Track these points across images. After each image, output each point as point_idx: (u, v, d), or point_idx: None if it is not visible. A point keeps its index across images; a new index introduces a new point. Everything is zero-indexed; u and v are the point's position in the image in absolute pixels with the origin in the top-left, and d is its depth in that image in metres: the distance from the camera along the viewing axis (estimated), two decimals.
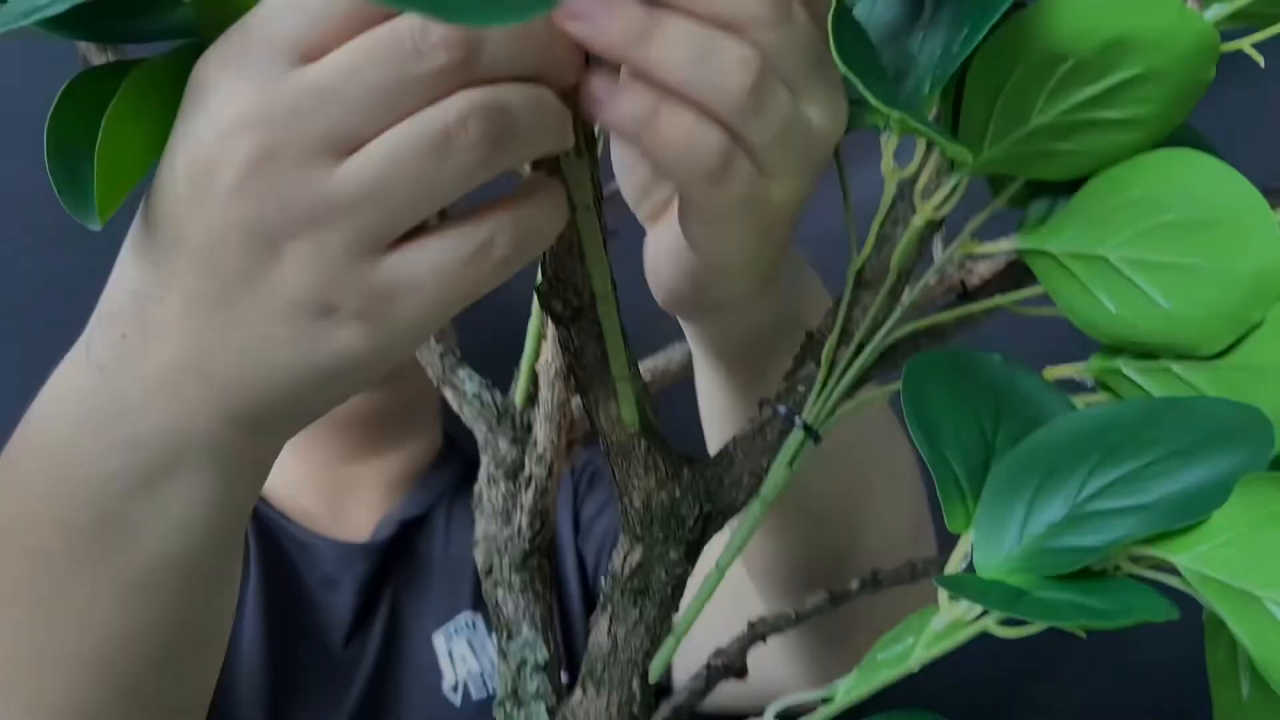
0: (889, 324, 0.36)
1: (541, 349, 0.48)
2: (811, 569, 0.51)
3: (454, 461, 0.83)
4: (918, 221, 0.35)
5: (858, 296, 0.36)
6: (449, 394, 0.57)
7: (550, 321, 0.33)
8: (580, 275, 0.32)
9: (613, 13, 0.26)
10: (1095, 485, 0.27)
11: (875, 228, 0.35)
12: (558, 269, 0.32)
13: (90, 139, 0.26)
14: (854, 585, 0.47)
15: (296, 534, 0.76)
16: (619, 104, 0.28)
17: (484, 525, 0.52)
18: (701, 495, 0.35)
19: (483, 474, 0.55)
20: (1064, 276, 0.35)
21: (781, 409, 0.36)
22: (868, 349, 0.36)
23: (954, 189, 0.34)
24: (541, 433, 0.48)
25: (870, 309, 0.36)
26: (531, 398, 0.55)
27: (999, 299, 0.37)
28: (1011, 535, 0.28)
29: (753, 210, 0.31)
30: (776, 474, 0.36)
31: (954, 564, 0.29)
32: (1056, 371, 0.36)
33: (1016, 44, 0.32)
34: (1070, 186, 0.35)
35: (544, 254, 0.32)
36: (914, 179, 0.37)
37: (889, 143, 0.33)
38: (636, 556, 0.35)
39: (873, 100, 0.28)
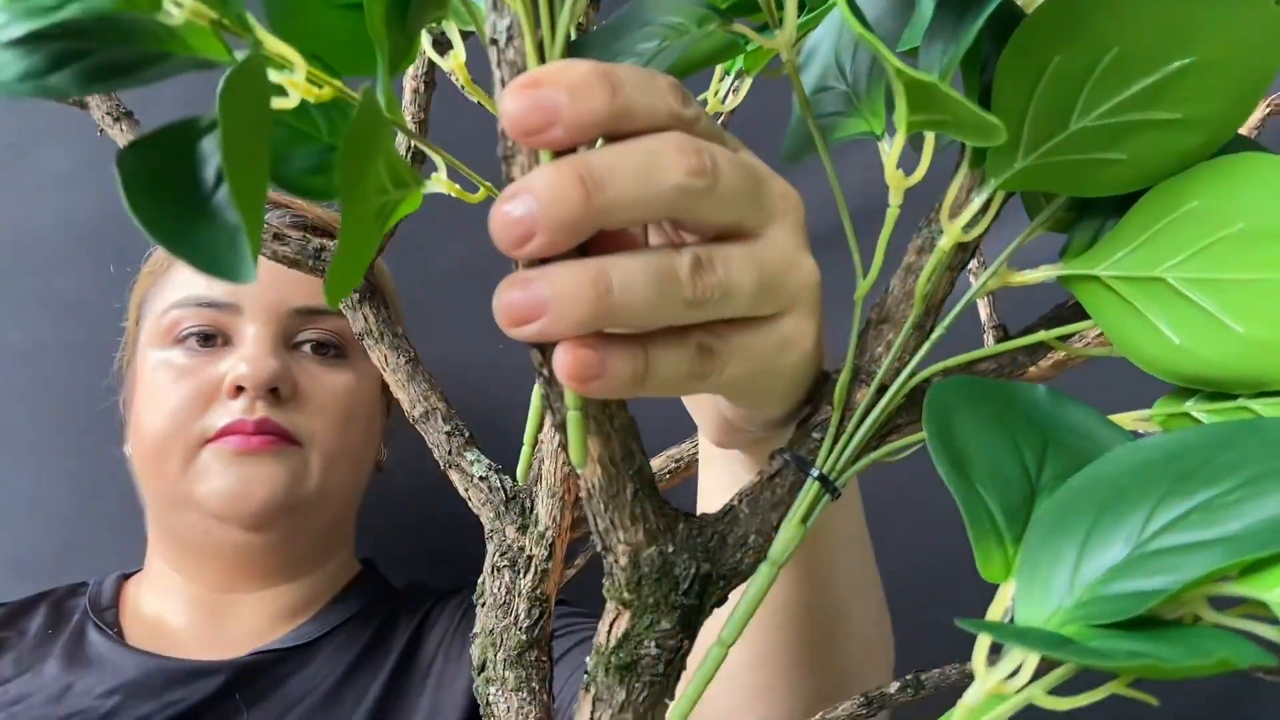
0: (914, 362, 0.32)
1: (545, 419, 0.44)
2: (793, 650, 0.46)
3: (365, 590, 0.82)
4: (945, 244, 0.31)
5: (879, 331, 0.32)
6: (455, 476, 0.53)
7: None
8: None
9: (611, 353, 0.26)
10: (1162, 519, 0.22)
11: (881, 247, 0.31)
12: None
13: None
14: (893, 689, 0.41)
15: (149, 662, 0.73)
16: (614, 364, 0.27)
17: (483, 618, 0.47)
18: (699, 554, 0.30)
19: (488, 564, 0.50)
20: (1116, 305, 0.31)
21: (788, 456, 0.31)
22: (891, 390, 0.32)
23: (986, 205, 0.30)
24: (543, 509, 0.44)
25: (894, 345, 0.32)
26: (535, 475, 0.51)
27: (1042, 334, 0.32)
28: (1061, 583, 0.23)
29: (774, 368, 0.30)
30: (787, 532, 0.31)
31: (994, 614, 0.24)
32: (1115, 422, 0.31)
33: (1052, 33, 0.28)
34: (1120, 204, 0.31)
35: None
36: (940, 199, 0.33)
37: (895, 145, 0.29)
38: (623, 625, 0.30)
39: (893, 65, 0.24)
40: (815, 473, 0.31)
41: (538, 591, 0.43)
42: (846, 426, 0.31)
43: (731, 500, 0.32)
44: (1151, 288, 0.30)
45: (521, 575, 0.43)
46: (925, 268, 0.31)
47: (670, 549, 0.30)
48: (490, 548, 0.51)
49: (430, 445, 0.53)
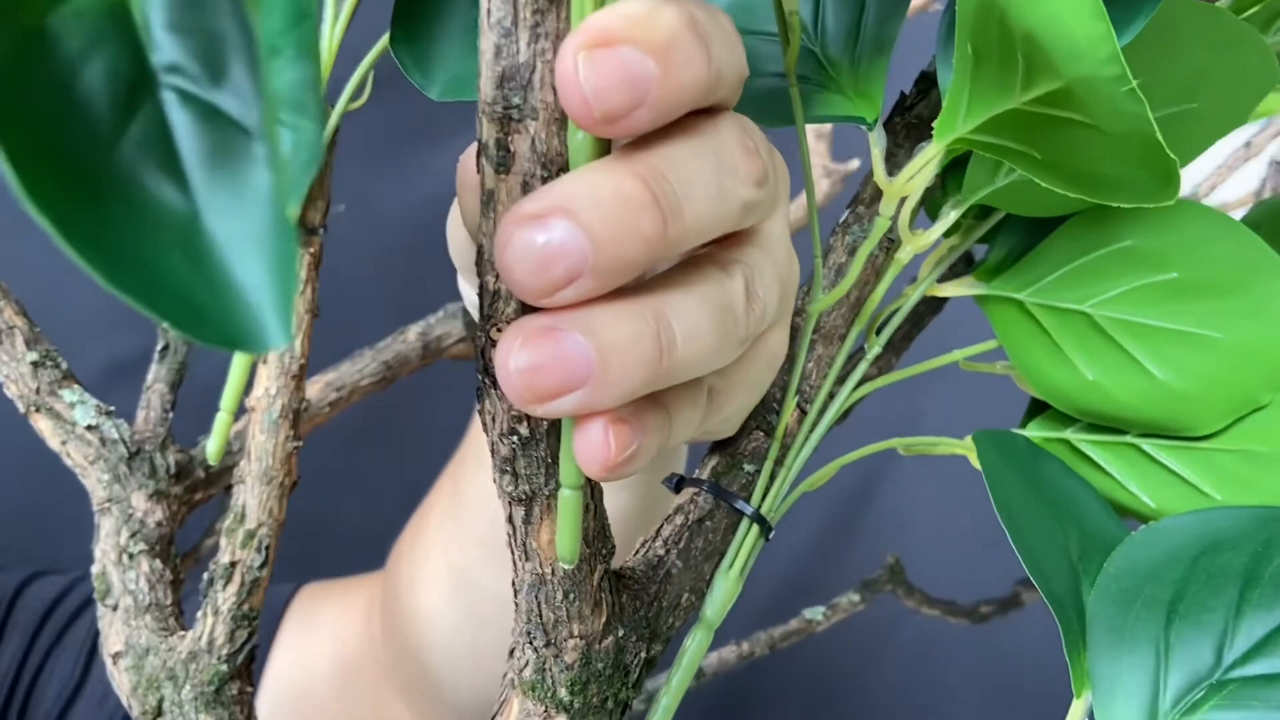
0: (853, 381, 0.28)
1: (258, 377, 0.32)
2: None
3: None
4: (905, 256, 0.27)
5: (813, 348, 0.28)
6: (44, 424, 0.38)
7: (496, 388, 0.20)
8: None
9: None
10: (1248, 637, 0.22)
11: (859, 261, 0.27)
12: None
13: None
14: None
15: None
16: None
17: (124, 631, 0.35)
18: (644, 631, 0.24)
19: (104, 547, 0.37)
20: (1031, 331, 0.30)
21: (709, 490, 0.26)
22: (829, 414, 0.28)
23: (965, 210, 0.27)
24: (253, 499, 0.33)
25: (834, 364, 0.28)
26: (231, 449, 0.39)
27: (955, 355, 0.30)
28: (1143, 703, 0.22)
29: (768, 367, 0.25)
30: (723, 587, 0.26)
31: None
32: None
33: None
34: (1036, 224, 0.30)
35: (495, 285, 0.19)
36: (866, 193, 0.29)
37: (924, 157, 0.25)
38: None
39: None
40: (750, 510, 0.26)
41: (245, 608, 0.32)
42: (785, 458, 0.27)
43: (656, 549, 0.26)
44: (1073, 321, 0.29)
45: (220, 586, 0.32)
46: (883, 281, 0.27)
47: (621, 633, 0.24)
48: (107, 524, 0.38)
49: (4, 381, 0.37)
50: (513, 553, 0.22)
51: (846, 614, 0.39)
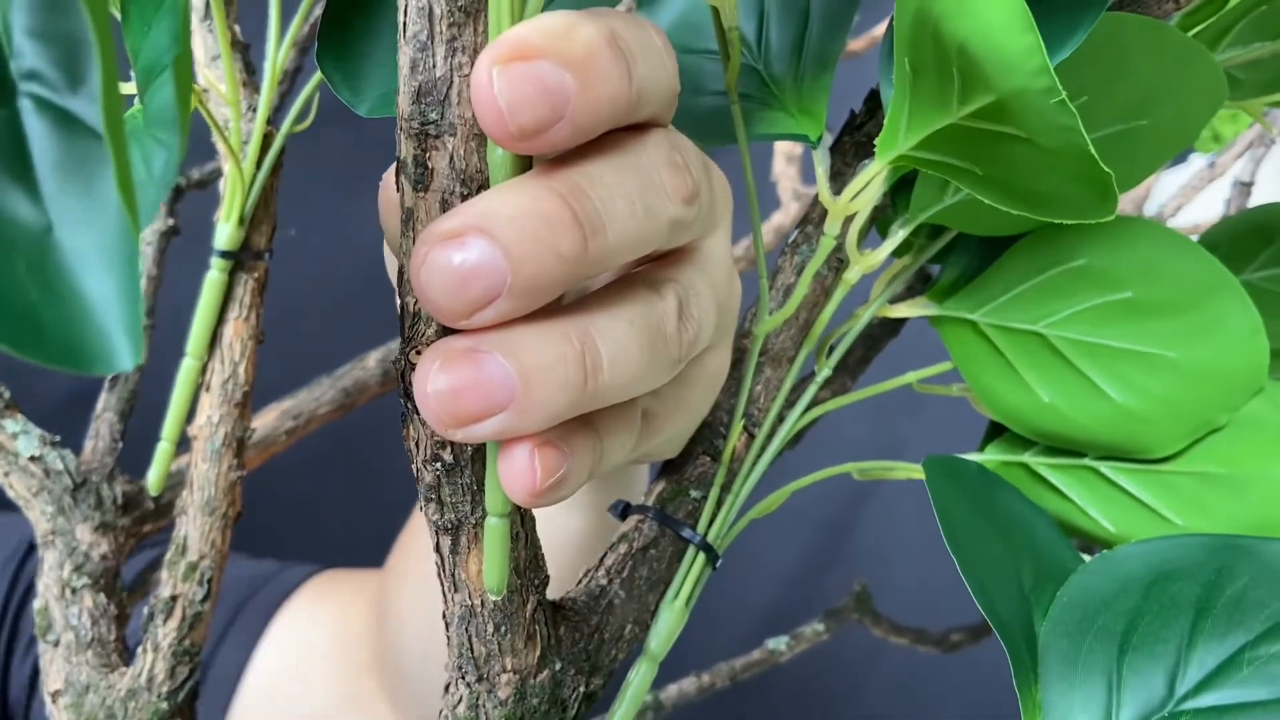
0: (802, 403, 0.27)
1: (200, 405, 0.32)
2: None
3: None
4: (853, 277, 0.27)
5: (760, 370, 0.27)
6: None
7: (417, 414, 0.19)
8: None
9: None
10: (1201, 668, 0.21)
11: (804, 281, 0.26)
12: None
13: None
14: None
15: None
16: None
17: (63, 668, 0.34)
18: (583, 664, 0.23)
19: (47, 581, 0.36)
20: (985, 352, 0.29)
21: (654, 518, 0.25)
22: (779, 438, 0.27)
23: (916, 230, 0.26)
24: (194, 531, 0.32)
25: (783, 387, 0.27)
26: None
27: (909, 376, 0.29)
28: None
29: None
30: (669, 617, 0.25)
31: None
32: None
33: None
34: (990, 243, 0.29)
35: (414, 306, 0.19)
36: (816, 213, 0.28)
37: (866, 174, 0.24)
38: None
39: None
40: (697, 539, 0.26)
41: (186, 643, 0.31)
42: (732, 484, 0.26)
43: (598, 578, 0.25)
44: (1027, 341, 0.29)
45: (160, 621, 0.31)
46: (831, 302, 0.27)
47: (558, 666, 0.23)
48: (50, 558, 0.37)
49: None
50: (442, 584, 0.21)
51: (811, 644, 0.38)
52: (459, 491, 0.20)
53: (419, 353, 0.18)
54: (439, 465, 0.19)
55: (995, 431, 0.31)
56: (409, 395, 0.19)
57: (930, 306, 0.29)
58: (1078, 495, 0.29)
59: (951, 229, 0.29)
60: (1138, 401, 0.28)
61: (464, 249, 0.17)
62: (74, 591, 0.36)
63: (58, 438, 0.37)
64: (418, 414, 0.19)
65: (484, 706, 0.22)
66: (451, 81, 0.17)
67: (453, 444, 0.19)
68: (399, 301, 0.19)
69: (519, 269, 0.17)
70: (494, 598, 0.20)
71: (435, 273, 0.17)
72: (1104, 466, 0.29)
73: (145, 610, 0.32)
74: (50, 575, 0.36)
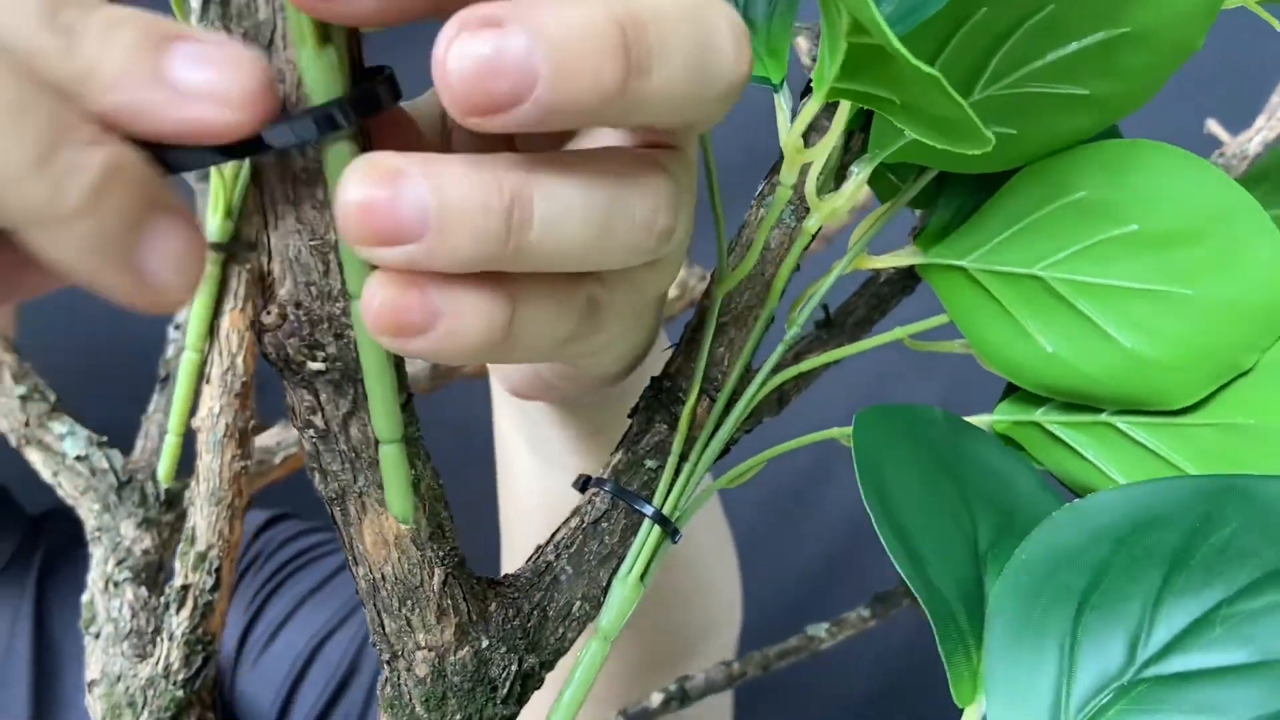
0: (768, 366, 0.26)
1: (202, 397, 0.32)
2: (627, 672, 0.39)
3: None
4: (812, 225, 0.25)
5: (722, 331, 0.26)
6: (35, 456, 0.39)
7: (285, 378, 0.19)
8: (344, 301, 0.18)
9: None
10: (1169, 627, 0.19)
11: (762, 234, 0.24)
12: (305, 294, 0.18)
13: None
14: (655, 702, 0.36)
15: None
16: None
17: (103, 659, 0.35)
18: (518, 641, 0.22)
19: (95, 575, 0.37)
20: (981, 302, 0.26)
21: (610, 490, 0.24)
22: (742, 402, 0.25)
23: (902, 173, 0.24)
24: (202, 521, 0.32)
25: (744, 349, 0.25)
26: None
27: (897, 332, 0.27)
28: (1043, 705, 0.18)
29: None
30: (622, 593, 0.24)
31: None
32: None
33: None
34: (979, 181, 0.27)
35: (273, 265, 0.18)
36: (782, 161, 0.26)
37: (805, 110, 0.22)
38: None
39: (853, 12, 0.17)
40: (650, 510, 0.24)
41: (199, 632, 0.32)
42: (690, 453, 0.25)
43: (546, 554, 0.24)
44: (1025, 287, 0.26)
45: (174, 610, 0.32)
46: (790, 254, 0.25)
47: (485, 644, 0.22)
48: (98, 553, 0.38)
49: None
50: (350, 564, 0.21)
51: (856, 630, 0.36)
52: (337, 459, 0.19)
53: (269, 313, 0.18)
54: (312, 432, 0.19)
55: (1011, 390, 0.28)
56: (288, 365, 0.19)
57: (916, 255, 0.27)
58: (1095, 455, 0.26)
59: (932, 169, 0.26)
60: (1151, 346, 0.25)
61: (503, 37, 0.15)
62: (116, 585, 0.37)
63: (104, 438, 0.39)
64: (289, 379, 0.19)
65: (404, 686, 0.21)
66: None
67: (323, 410, 0.19)
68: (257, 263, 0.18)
69: (554, 80, 0.15)
70: (384, 566, 0.20)
71: (465, 57, 0.15)
72: (1121, 421, 0.26)
73: (160, 601, 0.33)
74: (96, 570, 0.38)
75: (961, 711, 0.19)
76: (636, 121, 0.17)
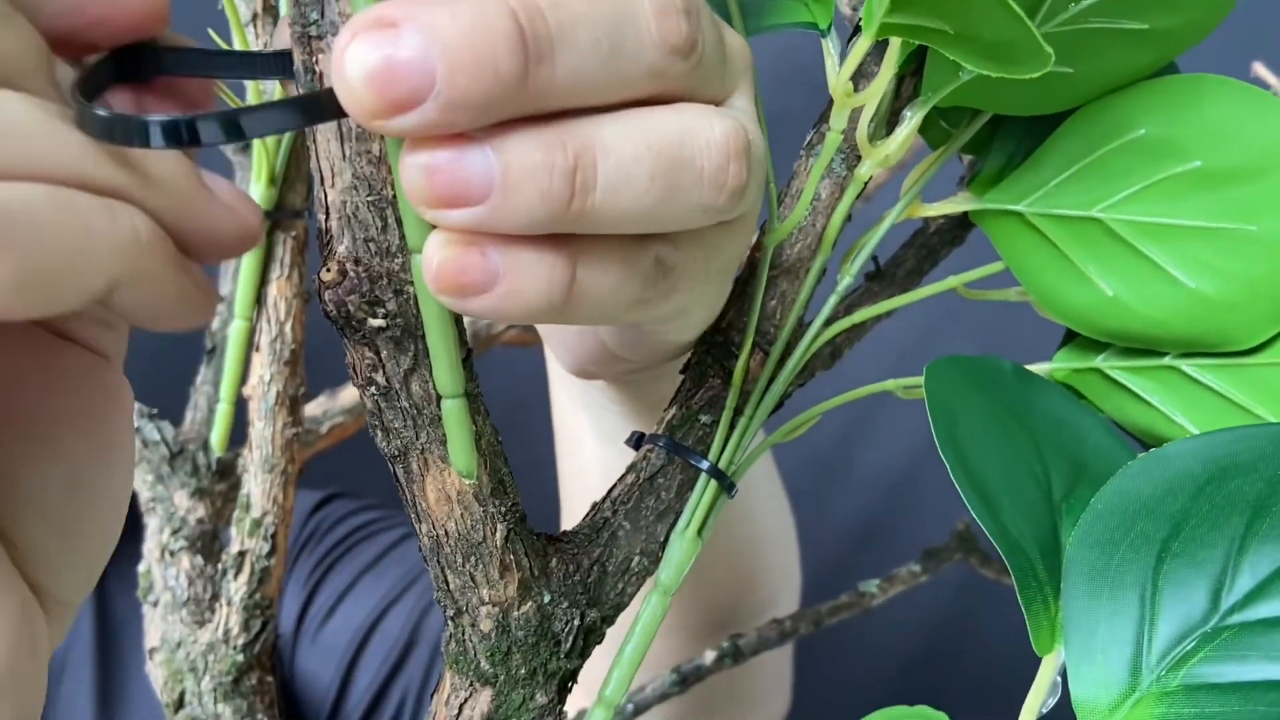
0: (820, 318, 0.25)
1: (252, 365, 0.33)
2: (688, 629, 0.39)
3: None
4: (864, 172, 0.25)
5: (774, 284, 0.25)
6: None
7: (345, 336, 0.19)
8: (402, 257, 0.18)
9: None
10: (1253, 574, 0.18)
11: (812, 182, 0.24)
12: (364, 250, 0.18)
13: None
14: (708, 659, 0.36)
15: None
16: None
17: (162, 626, 0.35)
18: (579, 597, 0.22)
19: (149, 547, 0.38)
20: (1038, 247, 0.26)
21: (664, 445, 0.24)
22: (795, 356, 0.25)
23: (953, 117, 0.24)
24: (256, 488, 0.33)
25: (796, 301, 0.25)
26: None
27: (950, 281, 0.27)
28: (1125, 654, 0.18)
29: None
30: (680, 548, 0.24)
31: (1033, 703, 0.19)
32: None
33: None
34: (1035, 123, 0.26)
35: (331, 223, 0.18)
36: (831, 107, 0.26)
37: (855, 50, 0.22)
38: (482, 707, 0.22)
39: None
40: (706, 465, 0.24)
41: (257, 597, 0.32)
42: (745, 407, 0.24)
43: (604, 510, 0.24)
44: (1084, 230, 0.25)
45: (231, 576, 0.32)
46: (841, 203, 0.24)
47: (547, 599, 0.22)
48: (153, 524, 0.38)
49: None
50: (413, 521, 0.21)
51: (906, 586, 0.36)
52: (399, 416, 0.19)
53: (329, 270, 0.18)
54: (374, 390, 0.19)
55: (1070, 338, 0.28)
56: (349, 323, 0.18)
57: (971, 201, 0.26)
58: (1159, 399, 0.26)
59: (986, 112, 0.26)
60: (1215, 286, 0.24)
61: (396, 40, 0.15)
62: (172, 554, 0.37)
63: (155, 410, 0.39)
64: (350, 338, 0.19)
65: (469, 641, 0.21)
66: None
67: (384, 367, 0.19)
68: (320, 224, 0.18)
69: (452, 77, 0.15)
70: (448, 523, 0.20)
71: (360, 60, 0.15)
72: (1186, 365, 0.26)
73: (218, 568, 0.34)
74: (151, 540, 0.38)
75: (1012, 667, 0.19)
76: (554, 107, 0.17)
